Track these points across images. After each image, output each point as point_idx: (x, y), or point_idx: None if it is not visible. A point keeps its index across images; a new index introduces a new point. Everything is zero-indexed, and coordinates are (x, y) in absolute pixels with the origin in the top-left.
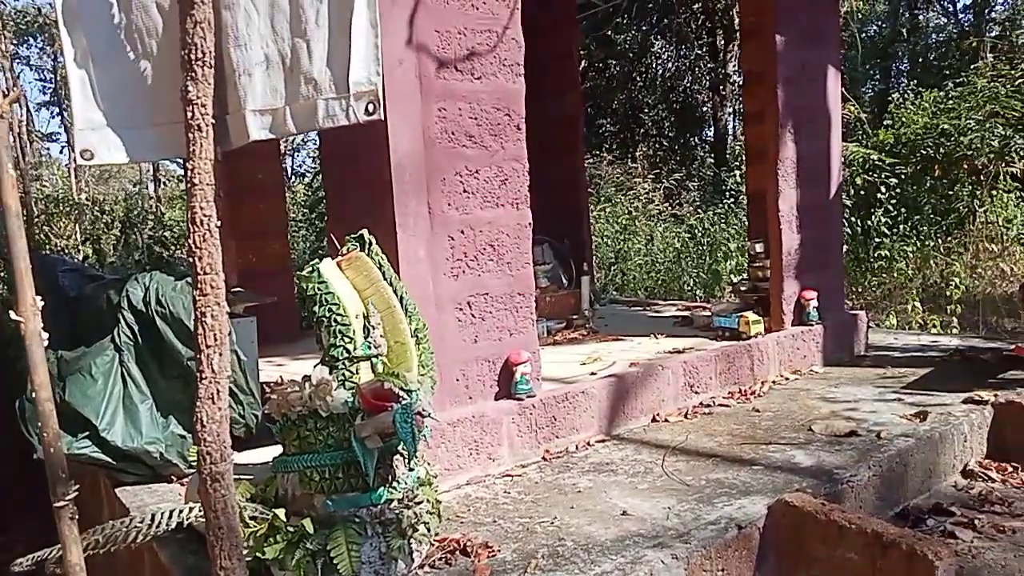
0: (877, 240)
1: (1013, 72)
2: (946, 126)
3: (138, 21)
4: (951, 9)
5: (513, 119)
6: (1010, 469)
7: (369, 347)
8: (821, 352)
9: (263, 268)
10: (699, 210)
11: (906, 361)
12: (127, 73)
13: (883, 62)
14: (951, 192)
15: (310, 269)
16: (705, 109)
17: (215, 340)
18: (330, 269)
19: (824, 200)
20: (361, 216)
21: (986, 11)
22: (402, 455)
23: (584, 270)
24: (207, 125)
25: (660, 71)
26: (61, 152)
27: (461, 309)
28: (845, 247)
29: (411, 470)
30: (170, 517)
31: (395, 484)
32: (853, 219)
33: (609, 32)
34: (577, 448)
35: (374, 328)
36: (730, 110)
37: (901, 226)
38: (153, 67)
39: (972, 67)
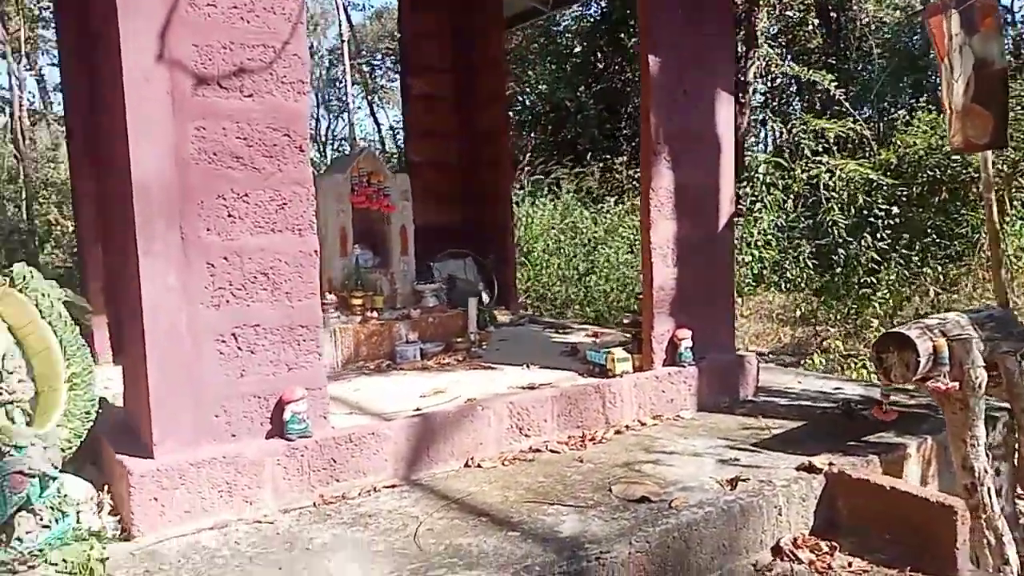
0: (869, 265)
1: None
2: None
3: None
4: None
5: (295, 140)
6: (825, 549)
7: (0, 393)
8: (695, 395)
9: None
10: None
11: (786, 411)
12: None
13: (912, 75)
14: (957, 216)
15: None
16: None
17: None
18: None
19: (709, 234)
20: (117, 237)
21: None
22: (33, 512)
23: (479, 289)
24: None
25: None
26: None
27: (224, 341)
28: (839, 268)
29: (45, 527)
30: None
31: (13, 544)
32: (845, 241)
33: (621, 36)
34: (359, 494)
35: (10, 373)
36: (755, 118)
37: (895, 252)
38: None
39: None
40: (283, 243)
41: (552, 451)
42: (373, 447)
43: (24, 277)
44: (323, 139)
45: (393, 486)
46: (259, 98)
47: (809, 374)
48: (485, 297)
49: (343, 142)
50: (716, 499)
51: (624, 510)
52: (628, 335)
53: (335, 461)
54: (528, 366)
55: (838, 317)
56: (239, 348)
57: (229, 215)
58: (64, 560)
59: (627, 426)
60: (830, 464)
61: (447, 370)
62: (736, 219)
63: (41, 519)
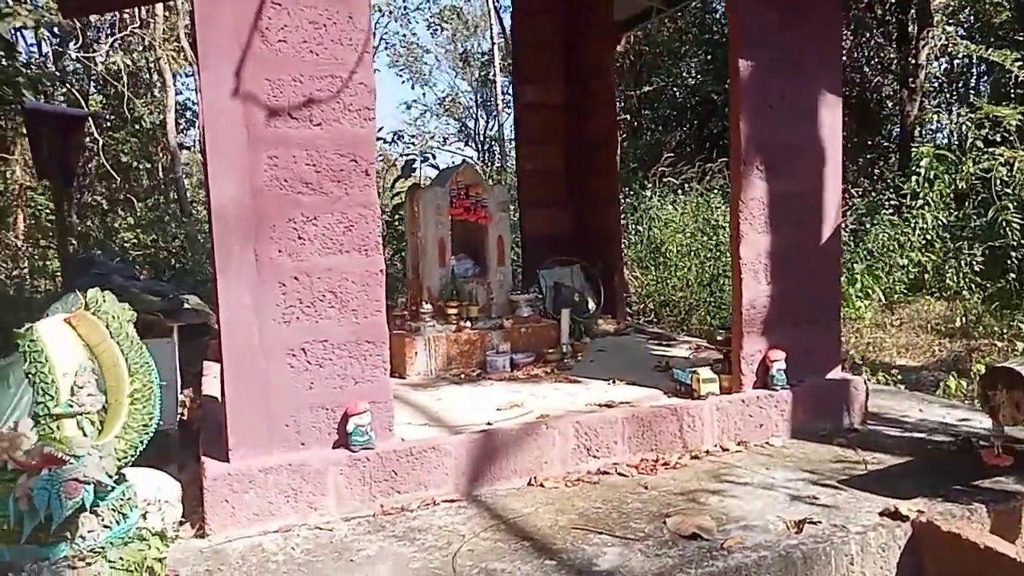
0: None
1: None
2: None
3: None
4: None
5: (361, 164)
6: None
7: (71, 405)
8: (788, 421)
9: None
10: (863, 220)
11: (893, 444)
12: None
13: None
14: None
15: (27, 327)
16: (890, 105)
17: None
18: (52, 327)
19: (810, 247)
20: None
21: None
22: (96, 513)
23: (576, 300)
24: None
25: None
26: None
27: (294, 355)
28: (1013, 275)
29: (106, 527)
30: None
31: (76, 542)
32: (1020, 244)
33: None
34: (418, 506)
35: (80, 387)
36: (928, 104)
37: None
38: None
39: None
40: (350, 263)
41: (620, 474)
42: (434, 461)
43: (96, 301)
44: (480, 138)
45: (452, 500)
46: (327, 126)
47: (936, 400)
48: (591, 305)
49: (494, 142)
50: (776, 542)
51: (672, 546)
52: (722, 353)
53: (396, 473)
54: (613, 382)
55: (1004, 331)
56: (308, 362)
57: (299, 237)
58: (121, 558)
59: (707, 451)
60: (919, 512)
61: (533, 382)
62: (891, 218)
63: (102, 519)
